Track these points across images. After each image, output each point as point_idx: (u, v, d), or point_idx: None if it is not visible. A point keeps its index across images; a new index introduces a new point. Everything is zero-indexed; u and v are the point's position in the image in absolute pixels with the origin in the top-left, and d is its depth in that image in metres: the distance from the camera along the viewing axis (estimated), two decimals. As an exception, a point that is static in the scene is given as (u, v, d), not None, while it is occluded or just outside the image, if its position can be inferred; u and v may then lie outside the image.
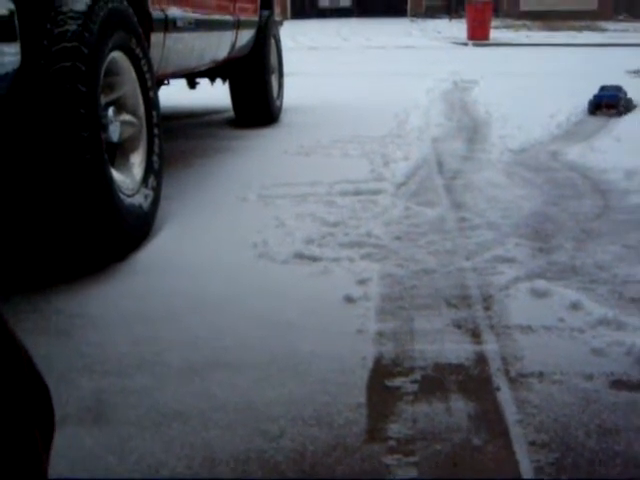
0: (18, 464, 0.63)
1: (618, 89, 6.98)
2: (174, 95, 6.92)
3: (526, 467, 1.64)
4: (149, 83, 3.25)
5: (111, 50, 2.87)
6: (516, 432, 1.77)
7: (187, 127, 6.27)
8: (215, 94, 6.88)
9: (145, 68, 3.21)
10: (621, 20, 25.66)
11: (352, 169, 4.43)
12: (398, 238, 3.16)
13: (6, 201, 2.63)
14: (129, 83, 3.14)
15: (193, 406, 1.90)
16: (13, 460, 0.63)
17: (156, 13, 3.59)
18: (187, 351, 2.20)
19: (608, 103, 6.66)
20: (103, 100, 2.87)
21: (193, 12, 4.23)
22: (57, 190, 2.61)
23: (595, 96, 6.80)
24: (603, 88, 7.02)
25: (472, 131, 5.99)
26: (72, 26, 2.64)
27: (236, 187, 4.02)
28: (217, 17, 4.80)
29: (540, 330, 2.31)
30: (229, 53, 5.26)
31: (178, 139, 5.54)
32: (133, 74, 3.14)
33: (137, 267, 2.85)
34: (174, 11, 3.86)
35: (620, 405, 1.89)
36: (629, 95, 6.96)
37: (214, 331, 2.32)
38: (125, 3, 3.07)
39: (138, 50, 3.14)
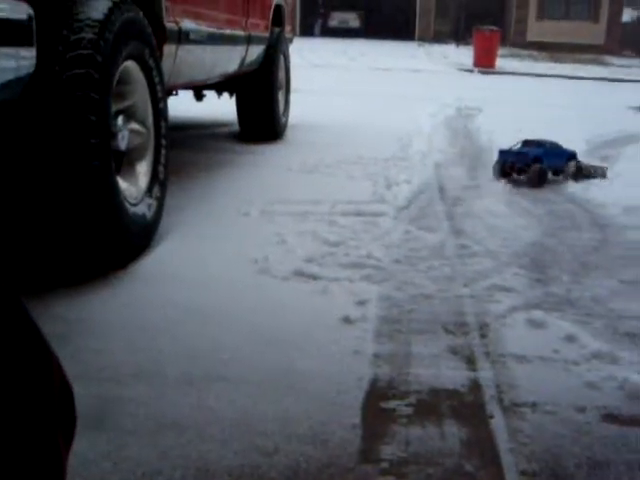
0: (41, 465, 0.65)
1: (541, 144, 5.22)
2: (181, 105, 6.95)
3: (516, 496, 1.66)
4: (159, 94, 3.28)
5: (125, 59, 2.91)
6: (507, 460, 1.79)
7: (192, 139, 6.30)
8: (221, 107, 6.92)
9: (157, 79, 3.25)
10: (626, 56, 25.85)
11: (355, 190, 4.47)
12: (398, 261, 3.18)
13: (12, 205, 2.65)
14: (140, 93, 3.17)
15: (189, 418, 1.91)
16: (37, 461, 0.65)
17: (170, 25, 3.63)
18: (185, 363, 2.21)
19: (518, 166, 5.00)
20: (113, 108, 2.90)
21: (206, 26, 4.27)
22: (64, 196, 2.63)
23: (501, 153, 5.16)
24: (526, 143, 5.28)
25: (474, 159, 6.03)
26: (88, 34, 2.67)
27: (238, 202, 4.05)
28: (229, 32, 4.84)
29: (535, 360, 2.33)
30: (239, 68, 5.30)
31: (183, 150, 5.56)
32: (144, 84, 3.17)
33: (138, 276, 2.87)
34: (188, 24, 3.90)
35: (611, 438, 1.91)
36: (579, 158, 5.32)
37: (212, 344, 2.34)
38: (141, 14, 3.10)
39: (151, 61, 3.17)
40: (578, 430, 1.94)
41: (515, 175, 5.03)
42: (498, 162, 5.12)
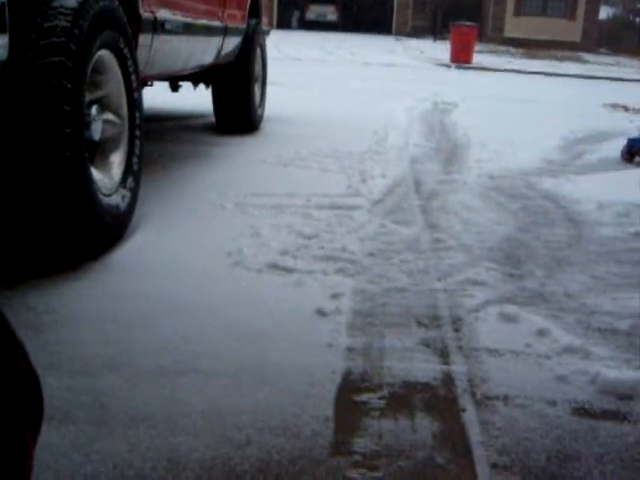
0: (7, 455, 0.64)
1: None
2: (156, 96, 6.91)
3: (487, 488, 1.67)
4: (134, 84, 3.25)
5: (99, 48, 2.87)
6: (479, 453, 1.80)
7: (167, 130, 6.26)
8: (197, 98, 6.89)
9: (131, 69, 3.22)
10: (602, 53, 26.07)
11: (330, 183, 4.46)
12: (372, 254, 3.19)
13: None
14: (114, 82, 3.13)
15: (161, 410, 1.90)
16: (2, 450, 0.64)
17: (146, 14, 3.60)
18: (157, 355, 2.20)
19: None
20: (87, 98, 2.87)
21: (182, 16, 4.24)
22: (36, 185, 2.60)
23: (629, 140, 6.11)
24: None
25: (450, 153, 6.05)
26: (62, 22, 2.64)
27: (213, 194, 4.03)
28: (205, 22, 4.81)
29: (507, 354, 2.34)
30: (215, 59, 5.27)
31: (158, 141, 5.53)
32: (119, 74, 3.14)
33: (111, 267, 2.84)
34: (163, 13, 3.87)
35: (581, 432, 1.93)
36: None
37: (185, 336, 2.32)
38: (116, 2, 3.07)
39: (126, 50, 3.14)
40: (549, 423, 1.96)
41: (638, 158, 5.93)
42: (627, 147, 6.01)
